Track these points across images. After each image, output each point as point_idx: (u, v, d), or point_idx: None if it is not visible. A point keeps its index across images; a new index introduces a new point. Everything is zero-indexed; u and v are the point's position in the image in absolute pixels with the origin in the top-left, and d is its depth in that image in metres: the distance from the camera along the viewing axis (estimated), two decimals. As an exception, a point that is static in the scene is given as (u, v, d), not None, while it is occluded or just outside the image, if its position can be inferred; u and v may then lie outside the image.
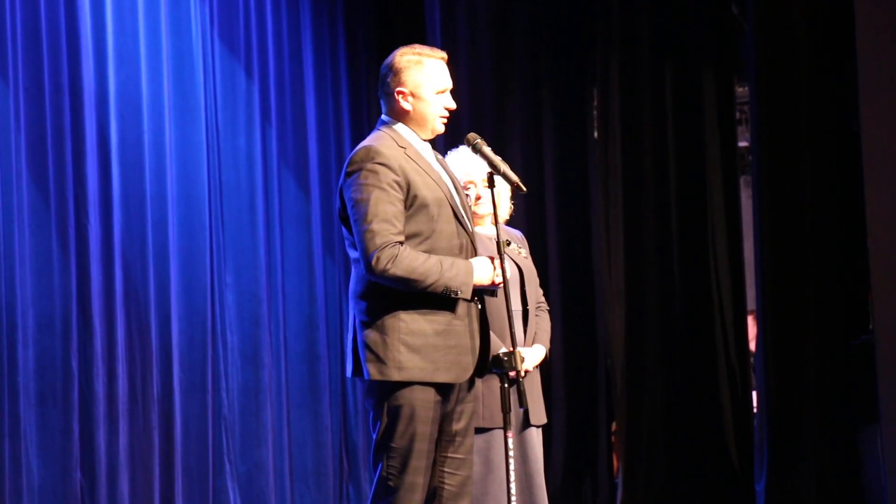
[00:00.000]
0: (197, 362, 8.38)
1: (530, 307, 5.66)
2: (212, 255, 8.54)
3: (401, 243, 4.57)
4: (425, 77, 4.78)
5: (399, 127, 4.81)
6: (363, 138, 4.92)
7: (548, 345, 5.73)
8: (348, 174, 4.67)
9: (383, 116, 4.87)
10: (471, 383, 4.79)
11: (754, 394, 9.35)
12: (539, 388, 5.69)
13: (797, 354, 8.71)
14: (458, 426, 4.75)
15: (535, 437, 5.64)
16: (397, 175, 4.61)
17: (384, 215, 4.56)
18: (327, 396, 9.18)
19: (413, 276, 4.54)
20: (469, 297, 4.64)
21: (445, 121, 4.85)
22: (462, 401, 4.75)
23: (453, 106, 4.85)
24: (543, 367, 5.74)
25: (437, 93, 4.80)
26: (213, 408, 8.41)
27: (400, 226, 4.59)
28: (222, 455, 8.45)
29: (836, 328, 8.71)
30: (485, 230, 5.55)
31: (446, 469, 4.76)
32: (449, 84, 4.84)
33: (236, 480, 8.50)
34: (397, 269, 4.53)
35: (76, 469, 7.64)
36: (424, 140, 4.85)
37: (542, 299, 5.83)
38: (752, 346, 9.69)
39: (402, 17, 10.19)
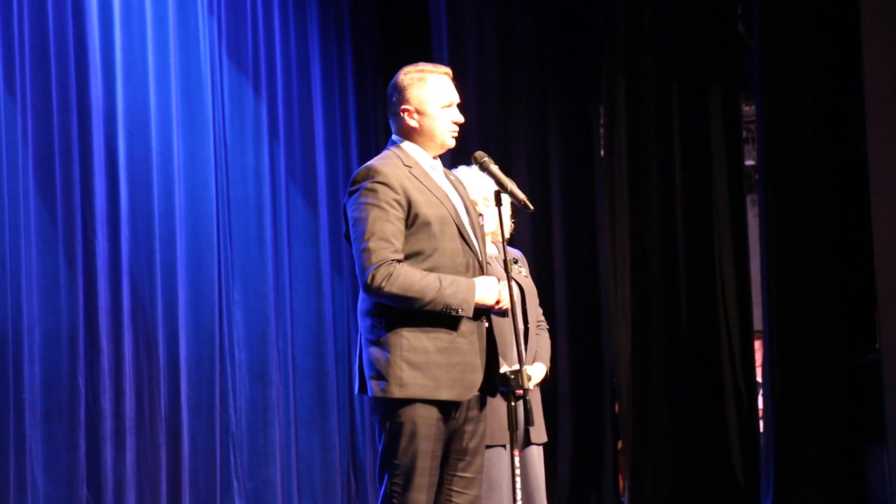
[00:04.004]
0: (204, 379, 8.39)
1: (531, 325, 5.66)
2: (220, 271, 8.55)
3: (398, 261, 4.57)
4: (429, 92, 4.78)
5: (407, 145, 4.80)
6: (370, 154, 4.94)
7: (548, 363, 5.74)
8: (350, 193, 4.67)
9: (393, 136, 4.87)
10: (482, 402, 4.78)
11: (760, 412, 9.34)
12: (540, 407, 5.69)
13: (804, 373, 8.69)
14: (467, 444, 4.74)
15: (536, 455, 5.64)
16: (397, 193, 4.61)
17: (381, 233, 4.56)
18: (335, 413, 9.18)
19: (409, 294, 4.53)
20: (471, 315, 4.62)
21: (455, 135, 4.84)
22: (472, 419, 4.74)
23: (461, 119, 4.83)
24: (548, 385, 5.75)
25: (443, 107, 4.79)
26: (220, 425, 8.41)
27: (398, 244, 4.58)
28: (230, 472, 8.45)
29: (843, 347, 8.70)
30: (487, 249, 5.56)
31: (455, 488, 4.74)
32: (455, 98, 4.83)
33: (244, 498, 8.50)
34: (393, 287, 4.52)
35: (82, 486, 7.64)
36: (434, 157, 4.85)
37: (542, 318, 5.84)
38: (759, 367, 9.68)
39: (408, 36, 10.22)
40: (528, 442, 5.56)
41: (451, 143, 4.84)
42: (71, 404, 7.68)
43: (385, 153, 4.80)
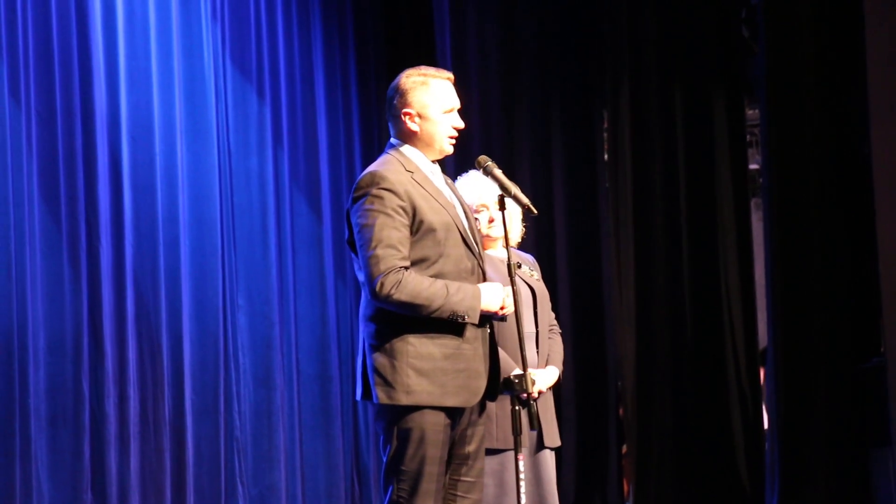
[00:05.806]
0: (209, 384, 8.38)
1: (543, 329, 5.65)
2: (224, 276, 8.54)
3: (406, 268, 4.56)
4: (432, 97, 4.77)
5: (407, 149, 4.80)
6: (374, 159, 4.91)
7: (561, 367, 5.73)
8: (354, 199, 4.67)
9: (392, 139, 4.86)
10: (482, 406, 4.78)
11: (765, 416, 9.34)
12: (552, 411, 5.69)
13: (808, 377, 8.69)
14: (469, 449, 4.74)
15: (549, 459, 5.63)
16: (402, 200, 4.60)
17: (389, 240, 4.55)
18: (339, 418, 9.17)
19: (418, 301, 4.53)
20: (477, 321, 4.62)
21: (454, 141, 4.84)
22: (473, 423, 4.75)
23: (461, 125, 4.83)
24: (554, 389, 5.74)
25: (445, 112, 4.78)
26: (225, 430, 8.40)
27: (405, 251, 4.58)
28: (234, 477, 8.45)
29: (848, 351, 8.69)
30: (496, 253, 5.55)
31: (458, 492, 4.75)
32: (456, 103, 4.82)
33: (249, 503, 8.50)
34: (401, 294, 4.52)
35: (87, 491, 7.64)
36: (434, 161, 4.84)
37: (555, 322, 5.83)
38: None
39: (412, 40, 10.20)
40: (541, 446, 5.54)
41: (450, 150, 4.84)
42: (75, 409, 7.68)
43: (385, 157, 4.79)
